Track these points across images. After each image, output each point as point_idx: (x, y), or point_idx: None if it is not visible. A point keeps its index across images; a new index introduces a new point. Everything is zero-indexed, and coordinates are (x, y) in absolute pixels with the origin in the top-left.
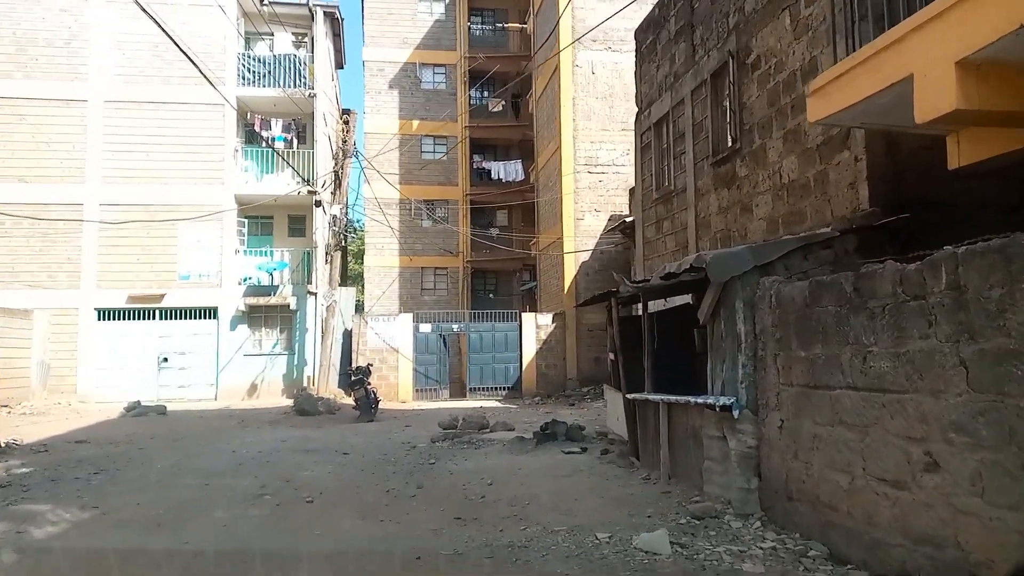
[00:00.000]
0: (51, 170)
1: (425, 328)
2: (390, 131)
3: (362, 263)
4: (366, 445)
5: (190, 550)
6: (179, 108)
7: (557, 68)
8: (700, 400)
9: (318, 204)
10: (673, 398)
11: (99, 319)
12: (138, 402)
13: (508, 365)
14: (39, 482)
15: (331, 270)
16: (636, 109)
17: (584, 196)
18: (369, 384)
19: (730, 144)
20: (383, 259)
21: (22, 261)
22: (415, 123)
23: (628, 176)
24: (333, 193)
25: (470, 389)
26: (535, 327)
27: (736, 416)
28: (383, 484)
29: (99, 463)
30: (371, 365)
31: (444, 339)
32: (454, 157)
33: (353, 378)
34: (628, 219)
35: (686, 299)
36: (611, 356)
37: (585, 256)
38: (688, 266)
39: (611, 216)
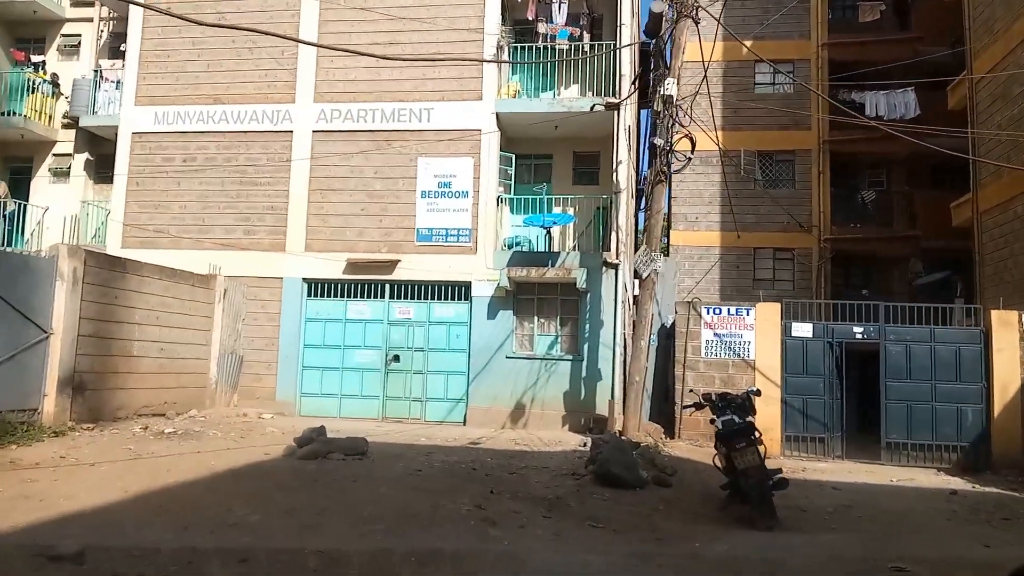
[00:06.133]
0: (253, 85)
1: (802, 330)
2: (712, 57)
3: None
4: None
5: None
6: None
7: None
8: None
9: (626, 95)
10: None
11: (309, 295)
12: (322, 428)
13: (961, 406)
14: None
15: (651, 216)
16: None
17: None
18: (757, 434)
19: None
20: (696, 235)
21: (213, 211)
22: (747, 44)
23: None
24: (657, 83)
25: (886, 445)
26: (1018, 338)
27: None
28: None
29: None
30: (756, 392)
31: (836, 351)
32: (803, 89)
33: (721, 417)
34: None
35: None
36: None
37: None
38: None
39: None
